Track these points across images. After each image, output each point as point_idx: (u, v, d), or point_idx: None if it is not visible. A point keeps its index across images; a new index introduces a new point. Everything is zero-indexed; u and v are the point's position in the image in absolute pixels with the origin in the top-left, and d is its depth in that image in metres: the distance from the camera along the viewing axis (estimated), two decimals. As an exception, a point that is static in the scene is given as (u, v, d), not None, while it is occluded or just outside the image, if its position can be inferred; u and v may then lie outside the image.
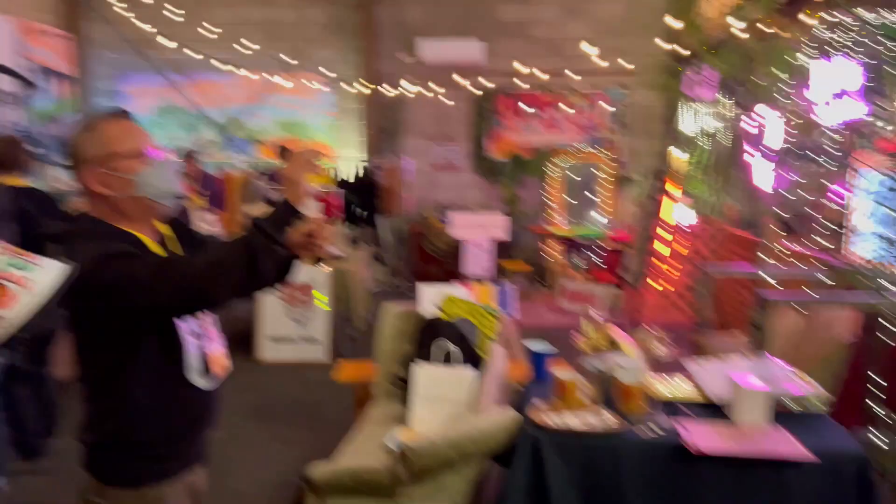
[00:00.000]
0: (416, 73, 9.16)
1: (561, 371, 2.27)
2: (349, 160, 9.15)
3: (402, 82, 9.15)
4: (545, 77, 8.71)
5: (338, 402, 4.72)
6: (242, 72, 8.97)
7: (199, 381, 1.63)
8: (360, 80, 9.18)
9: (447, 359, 3.03)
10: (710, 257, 6.84)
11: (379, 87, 9.12)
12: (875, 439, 2.59)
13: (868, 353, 2.79)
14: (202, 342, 1.65)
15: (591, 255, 8.43)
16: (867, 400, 2.70)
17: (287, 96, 9.42)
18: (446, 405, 2.77)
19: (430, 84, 8.98)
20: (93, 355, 1.58)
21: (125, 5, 8.69)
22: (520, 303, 7.52)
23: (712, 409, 2.19)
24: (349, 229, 8.00)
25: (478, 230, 7.69)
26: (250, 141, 9.56)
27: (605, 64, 8.15)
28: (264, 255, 1.46)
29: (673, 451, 1.96)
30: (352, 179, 8.94)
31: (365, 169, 9.02)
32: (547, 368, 2.53)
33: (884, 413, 2.69)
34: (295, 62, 9.19)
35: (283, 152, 7.69)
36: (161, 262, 1.57)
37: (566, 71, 8.87)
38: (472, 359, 3.06)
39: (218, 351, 1.71)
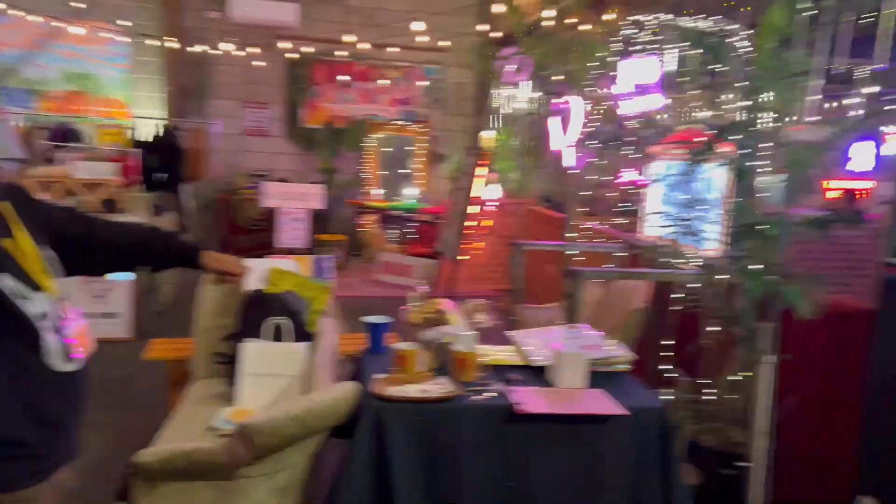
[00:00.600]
0: (225, 31, 8.64)
1: (400, 343, 2.33)
2: (148, 120, 8.43)
3: (210, 39, 8.58)
4: (362, 47, 8.64)
5: (147, 381, 4.42)
6: (18, 13, 7.85)
7: (60, 365, 1.52)
8: (161, 32, 8.45)
9: (276, 334, 2.96)
10: (520, 232, 7.30)
11: (182, 43, 8.47)
12: (665, 395, 2.97)
13: (659, 319, 3.19)
14: (58, 324, 1.54)
15: (407, 227, 8.61)
16: (661, 361, 3.09)
17: (75, 45, 8.42)
18: (277, 382, 2.72)
19: (241, 44, 8.52)
20: None
21: None
22: (337, 275, 7.51)
23: (536, 374, 2.37)
24: (149, 195, 7.40)
25: (293, 200, 7.51)
26: (29, 92, 8.42)
27: (423, 39, 8.28)
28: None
29: (504, 414, 2.10)
30: (153, 141, 8.27)
31: (166, 130, 8.37)
32: (384, 341, 2.57)
33: (672, 371, 3.09)
34: (83, 6, 8.22)
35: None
36: None
37: (382, 43, 8.87)
38: (303, 333, 3.01)
39: (78, 330, 1.60)
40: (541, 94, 7.43)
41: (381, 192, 9.16)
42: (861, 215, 6.32)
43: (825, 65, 3.41)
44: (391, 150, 9.27)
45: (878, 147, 9.56)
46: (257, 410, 2.32)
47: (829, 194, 7.67)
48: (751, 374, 2.69)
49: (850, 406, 2.48)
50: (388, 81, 9.39)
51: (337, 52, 8.94)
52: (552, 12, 4.85)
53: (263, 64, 8.93)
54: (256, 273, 3.27)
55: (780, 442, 2.61)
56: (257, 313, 3.07)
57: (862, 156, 9.55)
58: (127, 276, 5.25)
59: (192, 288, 3.47)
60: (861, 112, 2.85)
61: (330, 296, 3.24)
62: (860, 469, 2.26)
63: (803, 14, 3.18)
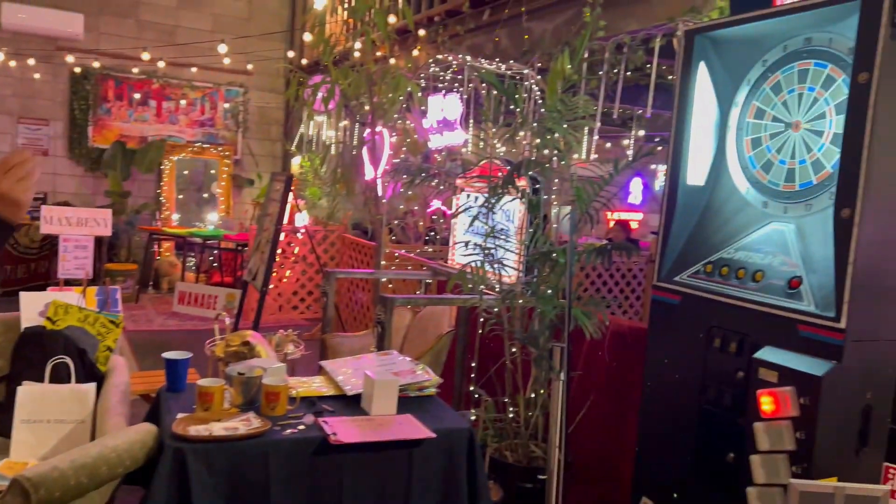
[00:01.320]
0: (-6, 37, 7.72)
1: (204, 379, 2.21)
2: None
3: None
4: (158, 65, 8.16)
5: None
6: None
7: None
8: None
9: (59, 375, 2.67)
10: (330, 260, 7.25)
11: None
12: (471, 414, 3.10)
13: (465, 342, 3.33)
14: None
15: (208, 255, 8.18)
16: (467, 382, 3.22)
17: None
18: (61, 428, 2.45)
19: (15, 54, 7.65)
20: None
21: None
22: (129, 308, 6.92)
23: (350, 402, 2.37)
24: None
25: (76, 226, 6.82)
26: None
27: (225, 61, 8.01)
28: None
29: (315, 446, 2.08)
30: None
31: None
32: (185, 377, 2.43)
33: (478, 391, 3.23)
34: None
35: None
36: None
37: (182, 62, 8.45)
38: (90, 373, 2.75)
39: None
40: (349, 123, 7.51)
41: (179, 217, 8.64)
42: (636, 243, 7.11)
43: (602, 109, 3.83)
44: (190, 173, 8.80)
45: (646, 183, 10.87)
46: (36, 461, 2.07)
47: (610, 224, 8.56)
48: (545, 391, 2.91)
49: (631, 417, 2.77)
50: (186, 102, 8.94)
51: (132, 70, 8.35)
52: (359, 44, 4.95)
53: (40, 76, 8.09)
54: (33, 307, 2.94)
55: (574, 453, 2.84)
56: (36, 353, 2.75)
57: (636, 191, 10.79)
58: None
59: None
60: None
61: (120, 331, 3.00)
62: (636, 474, 2.52)
63: (584, 64, 3.56)
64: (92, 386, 2.59)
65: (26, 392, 2.53)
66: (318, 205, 7.94)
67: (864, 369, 1.92)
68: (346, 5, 5.56)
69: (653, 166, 9.92)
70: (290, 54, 8.38)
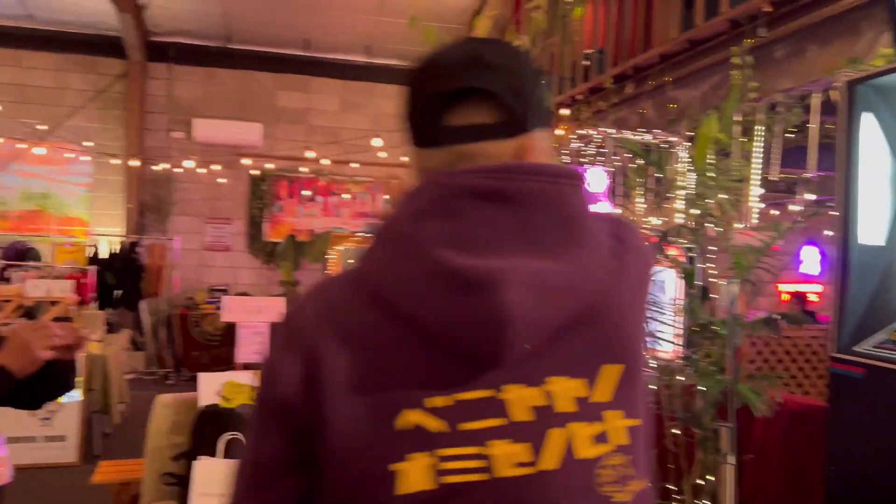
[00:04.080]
0: (188, 150, 8.84)
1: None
2: (107, 237, 8.41)
3: (172, 158, 8.75)
4: (324, 163, 8.90)
5: (92, 509, 4.16)
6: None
7: None
8: (124, 152, 8.60)
9: (232, 450, 2.85)
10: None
11: (144, 162, 8.61)
12: None
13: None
14: None
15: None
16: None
17: (34, 165, 8.49)
18: (231, 501, 2.59)
19: (204, 162, 8.70)
20: None
21: None
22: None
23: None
24: (106, 312, 7.26)
25: (253, 314, 7.44)
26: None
27: (383, 155, 8.58)
28: None
29: None
30: (109, 257, 8.20)
31: (123, 247, 8.34)
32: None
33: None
34: (45, 127, 8.39)
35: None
36: None
37: (344, 160, 9.15)
38: (258, 449, 2.91)
39: None
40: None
41: (344, 303, 9.15)
42: (813, 316, 6.49)
43: (762, 173, 3.63)
44: (354, 261, 9.35)
45: (823, 252, 9.99)
46: (207, 534, 2.20)
47: (783, 297, 7.91)
48: (714, 476, 2.67)
49: (814, 501, 2.47)
50: (350, 196, 9.61)
51: (300, 168, 9.18)
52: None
53: (225, 181, 9.09)
54: (211, 387, 3.19)
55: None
56: (211, 430, 2.97)
57: (810, 260, 9.95)
58: (74, 397, 5.04)
59: (146, 405, 3.36)
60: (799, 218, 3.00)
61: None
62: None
63: (736, 126, 3.41)
64: (259, 461, 2.73)
65: (203, 466, 2.72)
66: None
67: None
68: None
69: (830, 232, 9.15)
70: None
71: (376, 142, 8.01)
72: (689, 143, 3.80)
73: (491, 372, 0.76)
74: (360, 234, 9.46)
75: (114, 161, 8.60)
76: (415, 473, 0.73)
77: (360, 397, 0.76)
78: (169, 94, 8.98)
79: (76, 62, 8.66)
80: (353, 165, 9.24)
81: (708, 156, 2.81)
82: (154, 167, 8.66)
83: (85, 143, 8.53)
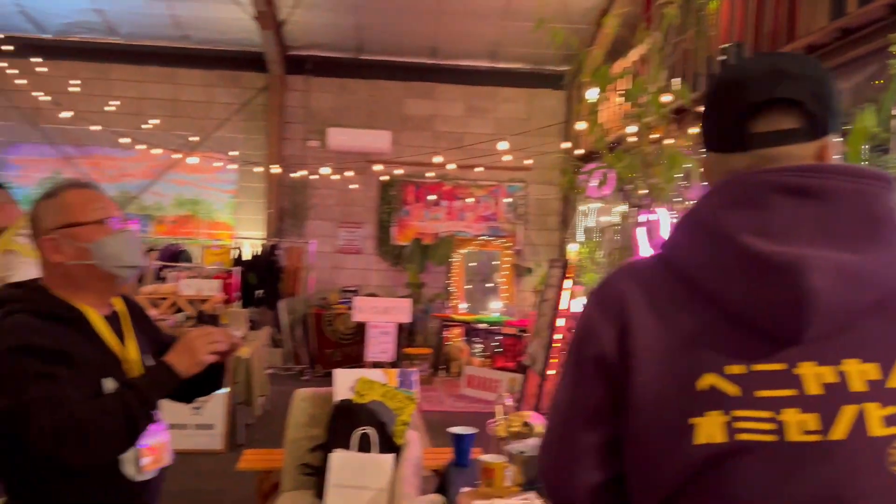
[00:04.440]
0: (322, 158, 9.28)
1: (487, 455, 2.28)
2: (250, 240, 8.99)
3: (309, 165, 9.23)
4: (450, 168, 9.05)
5: (237, 493, 4.46)
6: (141, 147, 8.75)
7: (132, 473, 1.52)
8: (265, 160, 9.17)
9: (363, 444, 2.96)
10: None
11: (284, 169, 9.14)
12: None
13: None
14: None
15: (492, 341, 8.58)
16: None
17: (186, 174, 9.24)
18: (364, 494, 2.69)
19: (338, 169, 9.10)
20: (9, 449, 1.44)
21: (17, 71, 8.36)
22: (423, 389, 7.48)
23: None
24: (248, 310, 7.76)
25: (381, 314, 7.68)
26: (146, 217, 9.22)
27: (507, 159, 8.61)
28: (143, 420, 1.47)
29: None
30: (251, 259, 8.76)
31: (264, 249, 8.88)
32: (470, 453, 2.53)
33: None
34: (196, 138, 9.10)
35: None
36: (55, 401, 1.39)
37: (469, 164, 9.26)
38: (389, 444, 3.00)
39: (155, 442, 1.60)
40: (625, 207, 7.47)
41: (467, 305, 9.24)
42: None
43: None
44: (476, 264, 9.43)
45: None
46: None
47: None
48: None
49: None
50: (473, 199, 9.70)
51: (427, 174, 9.39)
52: (634, 128, 4.96)
53: (357, 186, 9.46)
54: (345, 383, 3.33)
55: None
56: (345, 423, 3.10)
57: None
58: (223, 389, 5.42)
59: (284, 399, 3.55)
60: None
61: (415, 407, 3.24)
62: None
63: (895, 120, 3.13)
64: (391, 456, 2.83)
65: (338, 459, 2.85)
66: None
67: None
68: (619, 91, 5.67)
69: None
70: (566, 146, 8.72)
71: (503, 145, 8.05)
72: (841, 139, 3.53)
73: (787, 348, 0.84)
74: (482, 237, 9.53)
75: (256, 169, 9.19)
76: (710, 427, 0.83)
77: (666, 359, 0.88)
78: (305, 104, 9.48)
79: (223, 77, 9.34)
80: (477, 170, 9.33)
81: (862, 152, 2.60)
82: (292, 174, 9.17)
83: (231, 153, 9.18)
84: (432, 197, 9.63)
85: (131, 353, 1.60)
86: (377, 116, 9.54)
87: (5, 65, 8.33)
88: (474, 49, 9.30)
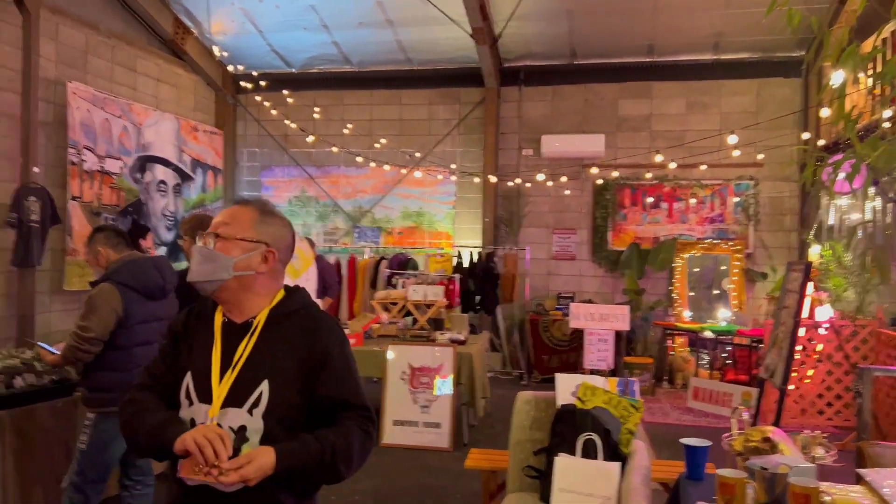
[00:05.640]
0: (535, 165, 9.37)
1: (725, 470, 2.15)
2: (469, 248, 9.34)
3: (523, 174, 9.37)
4: (668, 168, 8.65)
5: (462, 489, 4.64)
6: (372, 165, 9.51)
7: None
8: (482, 172, 9.48)
9: (587, 450, 2.93)
10: (859, 360, 6.34)
11: (500, 179, 9.37)
12: None
13: None
14: None
15: (720, 351, 8.02)
16: None
17: (411, 188, 9.86)
18: (591, 501, 2.66)
19: (551, 175, 9.13)
20: None
21: (269, 103, 9.54)
22: (645, 400, 7.22)
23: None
24: (467, 315, 8.06)
25: (598, 321, 7.55)
26: (377, 230, 10.01)
27: (734, 154, 8.03)
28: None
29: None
30: (470, 266, 9.09)
31: (481, 257, 9.17)
32: (704, 467, 2.40)
33: None
34: (418, 154, 9.67)
35: None
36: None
37: (691, 163, 8.78)
38: (613, 451, 2.94)
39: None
40: (880, 202, 6.60)
41: (691, 313, 8.74)
42: None
43: None
44: (700, 269, 8.89)
45: None
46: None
47: None
48: None
49: None
50: (696, 200, 9.18)
51: (646, 176, 9.07)
52: (890, 112, 4.39)
53: (570, 192, 9.41)
54: (567, 388, 3.33)
55: None
56: (568, 428, 3.09)
57: None
58: (449, 390, 5.68)
59: (504, 402, 3.63)
60: None
61: (641, 416, 3.14)
62: None
63: None
64: (617, 464, 2.77)
65: (563, 463, 2.85)
66: (842, 297, 7.07)
67: None
68: (869, 72, 5.02)
69: None
70: (805, 136, 7.92)
71: (732, 139, 7.54)
72: None
73: None
74: (707, 240, 8.96)
75: (475, 180, 9.54)
76: None
77: None
78: (519, 114, 9.66)
79: (442, 95, 9.84)
80: (701, 168, 8.82)
81: None
82: (508, 183, 9.38)
83: (451, 166, 9.63)
84: (650, 199, 9.28)
85: (215, 359, 1.65)
86: (591, 120, 9.43)
87: (261, 98, 9.56)
88: (695, 42, 8.82)
